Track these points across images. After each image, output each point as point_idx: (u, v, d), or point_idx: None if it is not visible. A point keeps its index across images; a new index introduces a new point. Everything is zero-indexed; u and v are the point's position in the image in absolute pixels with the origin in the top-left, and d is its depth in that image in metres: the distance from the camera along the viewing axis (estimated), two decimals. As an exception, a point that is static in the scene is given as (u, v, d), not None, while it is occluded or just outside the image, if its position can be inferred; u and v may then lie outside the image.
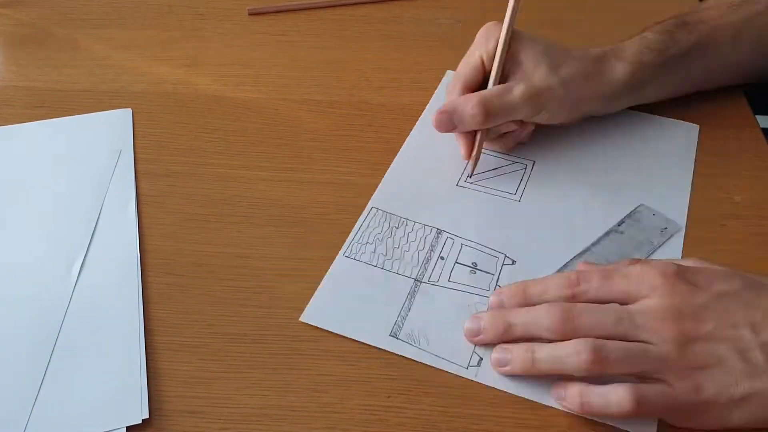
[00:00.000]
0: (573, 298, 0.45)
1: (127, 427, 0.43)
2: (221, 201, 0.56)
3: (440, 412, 0.44)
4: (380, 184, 0.57)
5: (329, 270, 0.51)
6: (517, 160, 0.59)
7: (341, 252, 0.52)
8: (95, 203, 0.56)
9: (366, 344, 0.47)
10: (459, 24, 0.74)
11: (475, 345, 0.46)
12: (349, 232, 0.54)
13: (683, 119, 0.62)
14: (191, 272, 0.51)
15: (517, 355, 0.44)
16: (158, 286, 0.50)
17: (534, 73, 0.55)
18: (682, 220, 0.54)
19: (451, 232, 0.54)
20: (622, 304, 0.44)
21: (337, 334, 0.48)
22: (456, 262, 0.52)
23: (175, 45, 0.72)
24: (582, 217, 0.54)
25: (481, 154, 0.58)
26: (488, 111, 0.54)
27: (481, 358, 0.46)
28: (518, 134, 0.58)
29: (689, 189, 0.56)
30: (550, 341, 0.43)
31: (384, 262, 0.51)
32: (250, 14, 0.70)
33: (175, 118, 0.64)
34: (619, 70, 0.57)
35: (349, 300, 0.49)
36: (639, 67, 0.58)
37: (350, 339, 0.47)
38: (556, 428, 0.43)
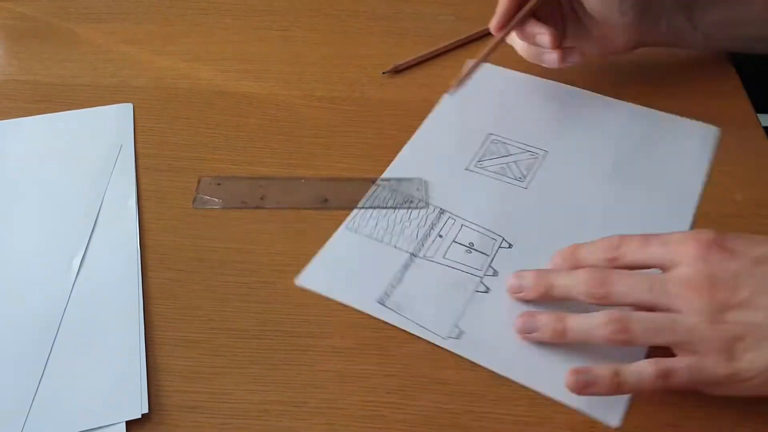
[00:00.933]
0: (613, 261, 0.45)
1: (127, 422, 0.43)
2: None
3: (439, 409, 0.44)
4: (394, 160, 0.58)
5: (330, 239, 0.52)
6: (530, 149, 0.59)
7: (343, 225, 0.53)
8: (96, 198, 0.56)
9: (367, 341, 0.47)
10: (460, 21, 0.74)
11: (517, 300, 0.48)
12: (350, 228, 0.54)
13: (684, 117, 0.62)
14: (191, 267, 0.51)
15: (547, 321, 0.45)
16: (158, 280, 0.50)
17: None
18: (686, 224, 0.54)
19: (454, 213, 0.54)
20: (662, 270, 0.43)
21: (336, 333, 0.48)
22: (453, 240, 0.53)
23: (177, 40, 0.72)
24: (587, 209, 0.55)
25: (494, 142, 0.57)
26: None
27: (463, 332, 0.47)
28: (574, 53, 0.57)
29: (698, 192, 0.56)
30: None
31: (383, 236, 0.53)
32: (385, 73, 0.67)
33: (176, 113, 0.63)
34: None
35: (344, 268, 0.51)
36: None
37: (350, 336, 0.47)
38: (555, 425, 0.43)
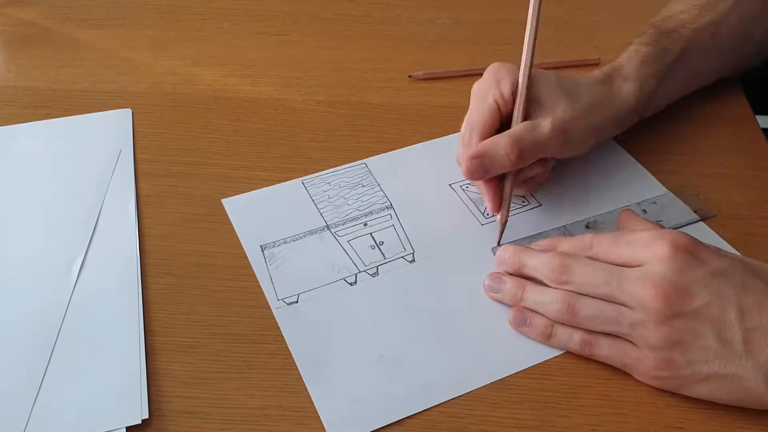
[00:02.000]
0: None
1: (127, 428, 0.43)
2: (221, 201, 0.56)
3: (439, 413, 0.44)
4: (384, 154, 0.59)
5: (281, 184, 0.56)
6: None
7: (302, 178, 0.56)
8: (95, 203, 0.56)
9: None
10: (458, 24, 0.74)
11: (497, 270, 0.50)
12: (349, 233, 0.54)
13: (684, 120, 0.63)
14: (191, 272, 0.51)
15: (509, 288, 0.48)
16: (158, 286, 0.50)
17: (556, 106, 0.53)
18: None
19: (397, 214, 0.55)
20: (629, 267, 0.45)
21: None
22: (370, 234, 0.54)
23: (175, 45, 0.72)
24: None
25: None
26: (521, 149, 0.51)
27: (297, 303, 0.49)
28: (542, 175, 0.56)
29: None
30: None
31: (320, 202, 0.55)
32: (412, 78, 0.67)
33: (175, 118, 0.64)
34: (627, 89, 0.57)
35: (269, 207, 0.55)
36: (644, 82, 0.57)
37: (350, 339, 0.47)
38: (556, 429, 0.43)
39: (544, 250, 0.49)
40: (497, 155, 0.51)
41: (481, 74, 0.55)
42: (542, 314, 0.47)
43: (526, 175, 0.54)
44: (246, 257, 0.52)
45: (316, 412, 0.44)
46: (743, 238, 0.53)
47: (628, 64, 0.58)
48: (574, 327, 0.45)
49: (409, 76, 0.67)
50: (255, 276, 0.51)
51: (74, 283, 0.50)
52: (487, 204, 0.53)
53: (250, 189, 0.57)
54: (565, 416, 0.44)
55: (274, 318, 0.48)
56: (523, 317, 0.47)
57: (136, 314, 0.48)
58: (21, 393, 0.44)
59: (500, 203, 0.52)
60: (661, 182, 0.57)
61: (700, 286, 0.42)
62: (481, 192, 0.54)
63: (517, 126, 0.52)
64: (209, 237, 0.54)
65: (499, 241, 0.52)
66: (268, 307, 0.49)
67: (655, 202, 0.55)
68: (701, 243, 0.44)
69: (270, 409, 0.44)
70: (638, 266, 0.44)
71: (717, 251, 0.44)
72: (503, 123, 0.53)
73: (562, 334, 0.46)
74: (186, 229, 0.54)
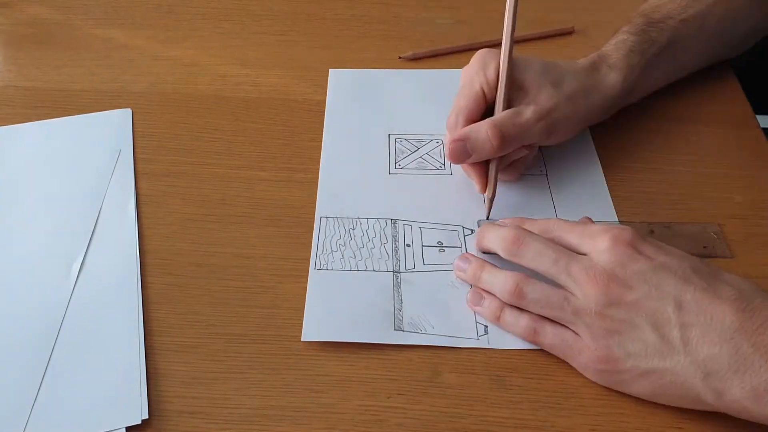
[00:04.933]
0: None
1: (127, 428, 0.43)
2: (221, 201, 0.56)
3: (440, 413, 0.44)
4: (318, 194, 0.56)
5: (307, 287, 0.50)
6: (433, 137, 0.61)
7: (311, 267, 0.51)
8: (95, 203, 0.56)
9: (365, 344, 0.47)
10: (458, 24, 0.74)
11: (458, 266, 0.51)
12: (349, 233, 0.54)
13: (684, 120, 0.63)
14: (191, 272, 0.51)
15: (471, 268, 0.50)
16: (158, 286, 0.50)
17: (539, 94, 0.54)
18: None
19: (405, 219, 0.55)
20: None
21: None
22: (422, 245, 0.53)
23: (175, 45, 0.72)
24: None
25: (398, 140, 0.59)
26: (503, 135, 0.52)
27: (486, 326, 0.48)
28: (526, 159, 0.57)
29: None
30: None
31: (357, 264, 0.52)
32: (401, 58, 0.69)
33: (175, 118, 0.64)
34: (613, 77, 0.57)
35: (340, 307, 0.49)
36: (629, 72, 0.58)
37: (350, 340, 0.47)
38: (556, 429, 0.43)
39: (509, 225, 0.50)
40: (479, 140, 0.52)
41: (468, 50, 0.56)
42: (495, 296, 0.48)
43: (510, 158, 0.55)
44: (246, 257, 0.52)
45: (316, 412, 0.44)
46: (743, 239, 0.53)
47: (615, 53, 0.59)
48: (521, 311, 0.47)
49: (399, 58, 0.69)
50: (255, 276, 0.51)
51: (74, 282, 0.50)
52: (475, 186, 0.55)
53: (250, 189, 0.57)
54: (565, 416, 0.44)
55: (274, 318, 0.48)
56: (478, 297, 0.49)
57: (136, 314, 0.48)
58: (21, 393, 0.44)
59: (486, 184, 0.54)
60: (662, 182, 0.57)
61: (639, 279, 0.43)
62: (468, 175, 0.56)
63: (501, 113, 0.54)
64: (209, 237, 0.54)
65: (487, 216, 0.54)
66: (269, 307, 0.49)
67: (668, 227, 0.54)
68: (646, 239, 0.45)
69: (270, 409, 0.44)
70: (585, 254, 0.45)
71: (662, 248, 0.45)
72: (490, 109, 0.55)
73: (510, 316, 0.47)
74: (186, 229, 0.54)
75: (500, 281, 0.47)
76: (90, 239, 0.53)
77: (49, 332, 0.47)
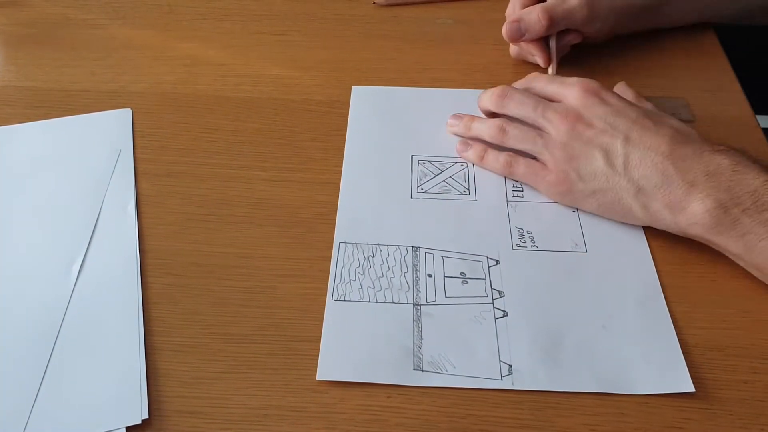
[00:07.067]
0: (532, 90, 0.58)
1: (127, 428, 0.43)
2: (221, 201, 0.56)
3: (440, 413, 0.44)
4: (337, 218, 0.54)
5: (324, 319, 0.48)
6: (458, 161, 0.59)
7: (328, 297, 0.49)
8: (95, 203, 0.56)
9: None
10: (459, 24, 0.74)
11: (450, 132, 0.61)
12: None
13: (682, 119, 0.62)
14: (191, 272, 0.51)
15: (464, 120, 0.60)
16: (158, 286, 0.50)
17: None
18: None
19: (427, 247, 0.52)
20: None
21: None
22: (445, 276, 0.50)
23: (175, 45, 0.72)
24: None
25: (422, 163, 0.59)
26: (551, 17, 0.63)
27: (510, 365, 0.45)
28: (572, 40, 0.67)
29: None
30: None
31: (375, 295, 0.49)
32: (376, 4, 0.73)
33: (175, 118, 0.64)
34: None
35: (357, 344, 0.46)
36: None
37: (350, 339, 0.47)
38: (556, 429, 0.43)
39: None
40: (531, 21, 0.64)
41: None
42: (481, 141, 0.57)
43: (564, 40, 0.66)
44: (246, 257, 0.52)
45: (317, 412, 0.44)
46: (743, 238, 0.53)
47: None
48: (501, 151, 0.56)
49: (374, 3, 0.73)
50: (255, 276, 0.51)
51: (74, 282, 0.50)
52: (539, 60, 0.65)
53: (250, 189, 0.57)
54: (565, 416, 0.44)
55: (274, 318, 0.48)
56: (466, 144, 0.59)
57: (136, 314, 0.48)
58: (21, 393, 0.44)
59: (548, 59, 0.65)
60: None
61: (600, 119, 0.53)
62: (533, 53, 0.66)
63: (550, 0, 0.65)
64: (209, 237, 0.54)
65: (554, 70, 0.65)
66: (269, 307, 0.49)
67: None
68: (609, 90, 0.55)
69: (270, 409, 0.44)
70: (559, 101, 0.55)
71: (622, 99, 0.54)
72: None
73: (491, 156, 0.57)
74: (186, 229, 0.54)
75: (488, 125, 0.57)
76: (90, 239, 0.53)
77: (50, 332, 0.47)
